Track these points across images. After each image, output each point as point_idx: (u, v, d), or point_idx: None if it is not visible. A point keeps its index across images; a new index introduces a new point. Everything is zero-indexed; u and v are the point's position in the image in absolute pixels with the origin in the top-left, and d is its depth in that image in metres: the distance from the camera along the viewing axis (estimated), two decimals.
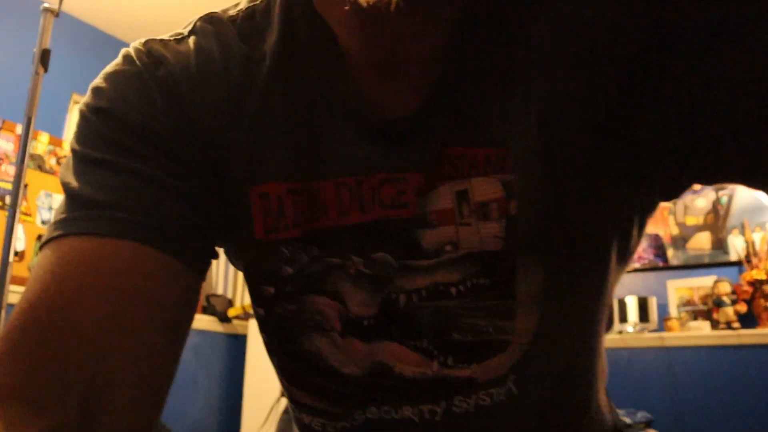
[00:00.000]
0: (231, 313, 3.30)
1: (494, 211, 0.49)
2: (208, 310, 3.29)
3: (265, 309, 0.54)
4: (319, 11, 0.50)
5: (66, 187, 0.48)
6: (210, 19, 0.55)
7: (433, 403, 0.53)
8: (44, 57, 2.15)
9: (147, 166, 0.48)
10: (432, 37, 0.49)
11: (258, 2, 0.56)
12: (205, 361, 3.18)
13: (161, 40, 0.54)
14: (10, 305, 2.29)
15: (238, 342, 3.32)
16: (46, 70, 2.16)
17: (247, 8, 0.55)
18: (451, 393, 0.53)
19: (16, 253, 2.57)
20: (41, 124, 2.87)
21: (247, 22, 0.55)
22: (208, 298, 3.32)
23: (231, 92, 0.52)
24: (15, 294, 2.58)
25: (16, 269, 2.57)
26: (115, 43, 3.29)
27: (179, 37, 0.54)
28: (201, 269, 0.51)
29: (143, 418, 0.46)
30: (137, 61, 0.52)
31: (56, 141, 2.93)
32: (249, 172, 0.51)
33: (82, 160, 0.49)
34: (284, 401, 2.97)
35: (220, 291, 3.51)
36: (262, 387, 3.04)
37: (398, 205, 0.50)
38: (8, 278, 2.00)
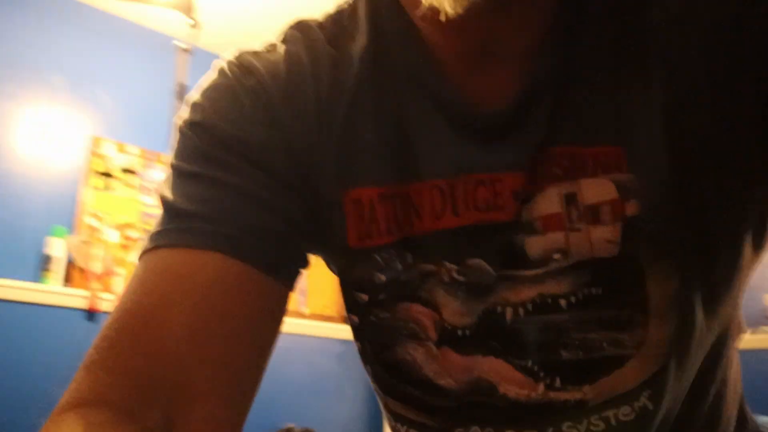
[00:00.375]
0: None
1: (607, 214, 0.45)
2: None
3: (359, 316, 0.53)
4: (406, 9, 0.49)
5: (162, 201, 0.50)
6: (299, 25, 0.55)
7: (539, 429, 0.49)
8: (181, 92, 2.32)
9: (237, 177, 0.48)
10: (529, 26, 0.46)
11: (344, 6, 0.56)
12: (350, 369, 3.26)
13: (253, 51, 0.54)
14: None
15: None
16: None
17: (334, 13, 0.56)
18: (559, 418, 0.49)
19: None
20: None
21: (335, 26, 0.54)
22: None
23: (320, 97, 0.51)
24: None
25: None
26: None
27: (271, 46, 0.55)
28: (289, 280, 0.51)
29: (225, 430, 0.45)
30: (228, 73, 0.53)
31: None
32: (341, 177, 0.51)
33: (177, 173, 0.50)
34: None
35: None
36: None
37: (494, 208, 0.47)
38: None
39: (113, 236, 2.66)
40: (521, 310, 0.47)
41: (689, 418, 0.52)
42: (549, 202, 0.46)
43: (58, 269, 2.49)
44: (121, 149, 2.82)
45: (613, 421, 0.48)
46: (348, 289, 0.53)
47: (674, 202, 0.44)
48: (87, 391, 0.42)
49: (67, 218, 2.63)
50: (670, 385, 0.48)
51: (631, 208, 0.45)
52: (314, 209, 0.52)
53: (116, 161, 2.80)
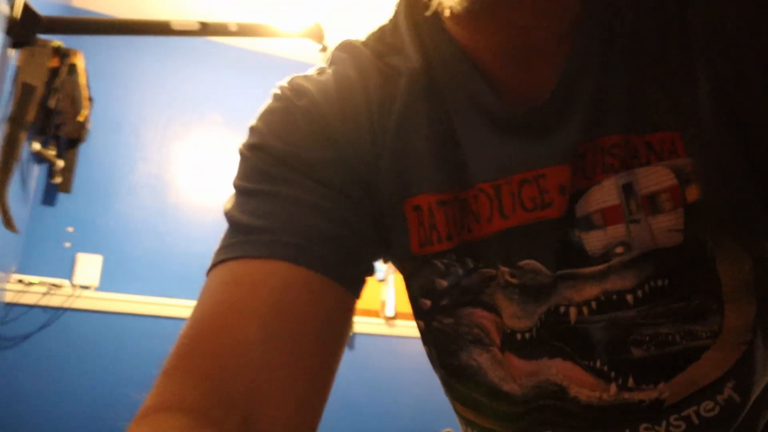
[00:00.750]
0: None
1: (667, 202, 0.43)
2: None
3: (424, 322, 0.54)
4: (441, 18, 0.50)
5: (227, 218, 0.52)
6: (344, 46, 0.57)
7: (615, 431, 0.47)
8: None
9: (296, 190, 0.49)
10: (558, 14, 0.45)
11: (386, 23, 0.57)
12: None
13: (304, 76, 0.57)
14: None
15: None
16: None
17: (377, 31, 0.57)
18: (636, 420, 0.46)
19: None
20: None
21: (379, 43, 0.56)
22: None
23: (372, 111, 0.52)
24: None
25: None
26: None
27: (320, 69, 0.57)
28: (354, 287, 0.51)
29: None
30: (282, 96, 0.55)
31: None
32: (399, 186, 0.51)
33: (240, 192, 0.52)
34: None
35: None
36: None
37: (541, 206, 0.46)
38: None
39: None
40: (585, 309, 0.45)
41: None
42: (606, 194, 0.44)
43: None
44: None
45: (695, 420, 0.45)
46: (413, 294, 0.54)
47: (737, 181, 0.42)
48: (167, 396, 0.43)
49: None
50: (758, 373, 0.45)
51: (692, 194, 0.42)
52: (376, 218, 0.52)
53: None
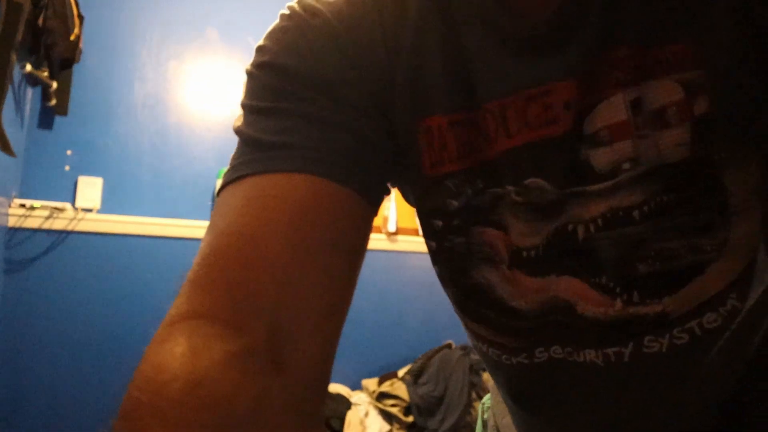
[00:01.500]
0: None
1: (674, 117, 0.42)
2: None
3: (435, 242, 0.54)
4: None
5: (240, 135, 0.51)
6: None
7: (619, 345, 0.48)
8: None
9: (315, 108, 0.49)
10: None
11: None
12: None
13: None
14: None
15: None
16: None
17: None
18: (640, 333, 0.47)
19: None
20: None
21: None
22: None
23: (386, 31, 0.52)
24: None
25: None
26: None
27: None
28: (374, 202, 0.51)
29: (324, 343, 0.45)
30: (294, 16, 0.53)
31: None
32: (413, 106, 0.51)
33: (252, 111, 0.51)
34: None
35: None
36: None
37: (546, 123, 0.45)
38: None
39: None
40: (592, 227, 0.46)
41: None
42: (614, 109, 0.43)
43: None
44: None
45: (697, 331, 0.46)
46: (424, 216, 0.54)
47: (748, 91, 0.41)
48: (195, 305, 0.42)
49: None
50: (757, 278, 0.45)
51: (700, 107, 0.42)
52: (392, 137, 0.52)
53: None
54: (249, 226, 0.44)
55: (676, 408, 0.51)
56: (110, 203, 2.58)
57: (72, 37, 2.38)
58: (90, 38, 2.65)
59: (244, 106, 0.52)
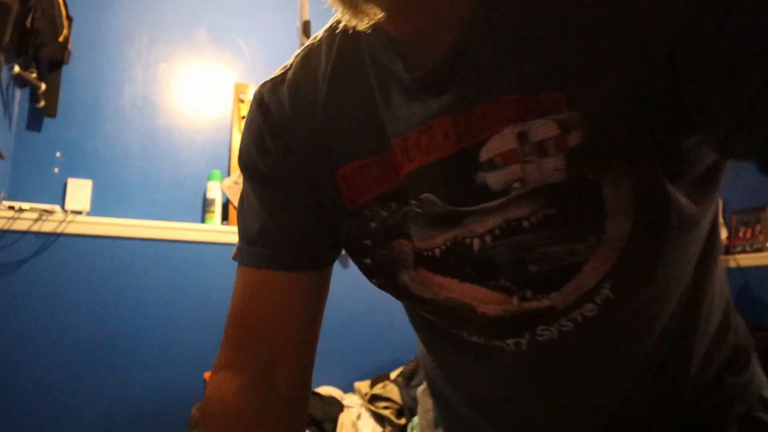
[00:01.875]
0: None
1: (552, 148, 0.53)
2: None
3: (370, 258, 0.66)
4: None
5: (237, 218, 0.75)
6: (300, 55, 0.70)
7: (518, 335, 0.60)
8: (306, 28, 2.36)
9: (280, 201, 0.68)
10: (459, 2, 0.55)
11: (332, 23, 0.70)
12: None
13: (272, 84, 0.70)
14: None
15: None
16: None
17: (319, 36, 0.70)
18: (534, 324, 0.59)
19: None
20: None
21: (313, 50, 0.69)
22: None
23: (315, 110, 0.66)
24: None
25: None
26: None
27: (283, 73, 0.70)
28: (329, 264, 0.73)
29: (303, 367, 0.73)
30: (255, 112, 0.70)
31: None
32: (331, 160, 0.65)
33: (241, 198, 0.74)
34: None
35: None
36: None
37: (436, 149, 0.57)
38: None
39: None
40: (488, 238, 0.56)
41: (661, 320, 0.61)
42: (505, 140, 0.54)
43: (218, 210, 2.72)
44: None
45: (580, 319, 0.57)
46: (356, 241, 0.66)
47: (621, 123, 0.51)
48: (223, 359, 0.71)
49: (223, 163, 2.85)
50: (633, 278, 0.56)
51: (573, 140, 0.52)
52: (322, 192, 0.67)
53: None
54: (248, 308, 0.71)
55: (582, 394, 0.63)
56: (100, 206, 2.56)
57: (61, 39, 2.36)
58: (79, 40, 2.64)
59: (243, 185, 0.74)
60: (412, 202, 0.60)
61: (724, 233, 3.96)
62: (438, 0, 0.56)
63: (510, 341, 0.60)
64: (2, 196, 2.37)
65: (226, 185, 2.75)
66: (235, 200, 2.74)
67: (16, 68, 2.26)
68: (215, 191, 2.73)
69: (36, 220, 2.38)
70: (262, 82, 0.72)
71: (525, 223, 0.54)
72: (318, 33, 0.71)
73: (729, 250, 3.93)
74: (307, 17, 2.34)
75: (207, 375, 2.28)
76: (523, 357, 0.60)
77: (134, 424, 2.44)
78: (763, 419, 0.67)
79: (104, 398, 2.41)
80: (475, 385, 0.71)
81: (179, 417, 2.47)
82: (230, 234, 2.70)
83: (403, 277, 0.64)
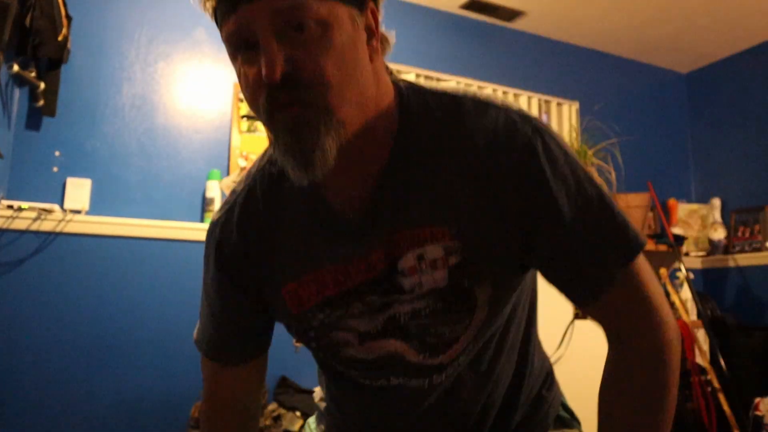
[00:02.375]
0: None
1: (439, 264, 0.80)
2: None
3: (316, 342, 0.90)
4: None
5: (200, 312, 0.99)
6: (240, 190, 0.90)
7: (423, 378, 0.88)
8: None
9: (224, 305, 0.93)
10: (372, 162, 0.79)
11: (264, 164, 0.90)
12: None
13: (226, 212, 0.90)
14: None
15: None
16: None
17: (262, 165, 0.90)
18: (431, 373, 0.88)
19: None
20: None
21: (252, 190, 0.89)
22: None
23: (258, 241, 0.88)
24: None
25: None
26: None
27: (231, 203, 0.90)
28: (265, 350, 0.99)
29: (254, 401, 1.02)
30: (212, 247, 0.91)
31: None
32: (274, 280, 0.87)
33: (203, 295, 0.97)
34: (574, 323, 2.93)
35: None
36: (554, 310, 3.02)
37: (369, 271, 0.82)
38: None
39: None
40: (406, 317, 0.83)
41: (501, 361, 0.92)
42: (409, 260, 0.80)
43: (217, 209, 2.72)
44: None
45: (457, 371, 0.89)
46: (302, 334, 0.89)
47: (477, 258, 0.80)
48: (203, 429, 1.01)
49: (222, 162, 2.86)
50: (489, 342, 0.89)
51: (453, 260, 0.80)
52: (268, 302, 0.91)
53: None
54: (214, 393, 1.00)
55: (464, 418, 0.93)
56: (99, 205, 2.57)
57: (60, 38, 2.36)
58: (78, 39, 2.64)
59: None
60: (357, 303, 0.84)
61: (723, 233, 3.96)
62: (360, 161, 0.78)
63: (417, 381, 0.88)
64: (1, 195, 2.37)
65: (225, 184, 2.75)
66: None
67: (15, 67, 2.26)
68: (214, 190, 2.73)
69: (35, 219, 2.38)
70: (213, 220, 0.92)
71: (422, 313, 0.82)
72: (251, 170, 0.91)
73: (728, 250, 3.93)
74: None
75: None
76: (427, 392, 0.89)
77: (133, 423, 2.45)
78: (563, 416, 1.06)
79: (103, 397, 2.42)
80: (375, 416, 0.97)
81: (178, 416, 2.47)
82: None
83: (347, 352, 0.88)
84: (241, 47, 0.71)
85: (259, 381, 1.01)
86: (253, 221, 0.87)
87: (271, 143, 0.79)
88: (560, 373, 3.08)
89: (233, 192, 0.91)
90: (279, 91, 0.67)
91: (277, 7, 0.66)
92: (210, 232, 0.91)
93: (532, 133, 0.77)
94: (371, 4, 0.77)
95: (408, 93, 0.80)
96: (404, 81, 0.83)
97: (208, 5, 0.73)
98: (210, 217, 2.69)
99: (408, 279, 0.80)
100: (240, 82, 0.73)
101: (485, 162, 0.76)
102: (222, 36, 0.73)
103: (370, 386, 0.92)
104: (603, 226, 0.78)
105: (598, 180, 0.82)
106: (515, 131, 0.76)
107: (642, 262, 0.79)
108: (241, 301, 0.91)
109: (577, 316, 2.93)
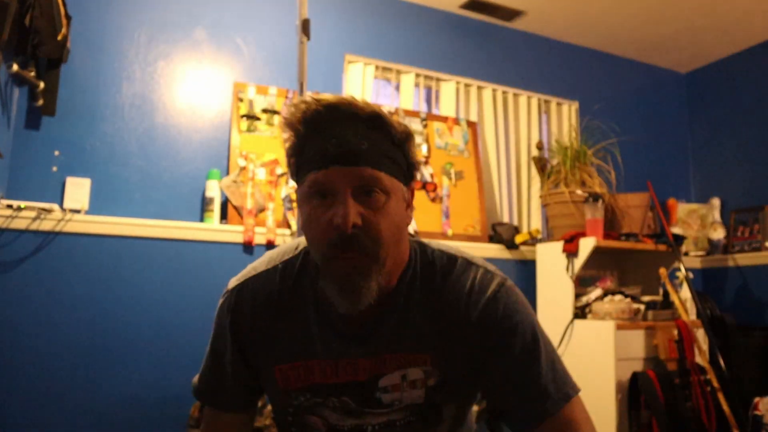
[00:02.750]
0: (518, 239, 3.31)
1: (419, 384, 0.99)
2: (494, 238, 3.35)
3: (292, 417, 1.05)
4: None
5: (203, 365, 1.14)
6: (261, 270, 1.07)
7: None
8: (305, 27, 2.35)
9: (222, 369, 1.07)
10: (381, 292, 0.93)
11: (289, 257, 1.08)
12: None
13: (243, 282, 1.06)
14: None
15: (527, 267, 3.33)
16: (308, 38, 2.36)
17: (282, 264, 1.07)
18: None
19: None
20: (323, 87, 3.19)
21: (271, 272, 1.06)
22: (494, 227, 3.38)
23: (266, 319, 1.03)
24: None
25: None
26: (379, 2, 3.46)
27: (249, 277, 1.07)
28: (254, 404, 1.15)
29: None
30: (221, 313, 1.08)
31: None
32: (271, 360, 1.02)
33: (211, 354, 1.11)
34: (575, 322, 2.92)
35: (505, 219, 3.54)
36: (554, 310, 3.03)
37: (355, 374, 0.99)
38: None
39: (261, 174, 2.84)
40: (375, 427, 1.01)
41: None
42: (394, 378, 0.98)
43: (216, 209, 2.72)
44: (261, 91, 2.97)
45: None
46: (281, 407, 1.06)
47: (450, 381, 0.99)
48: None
49: (222, 161, 2.85)
50: None
51: (431, 381, 0.99)
52: (260, 376, 1.07)
53: (257, 103, 2.95)
54: (204, 428, 1.15)
55: None
56: (98, 204, 2.57)
57: (59, 37, 2.36)
58: (77, 38, 2.64)
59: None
60: (333, 399, 1.00)
61: (722, 232, 3.97)
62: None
63: None
64: (1, 194, 2.37)
65: (224, 184, 2.75)
66: (233, 199, 2.74)
67: (15, 67, 2.26)
68: (214, 190, 2.73)
69: (34, 219, 2.38)
70: (231, 287, 1.07)
71: (398, 423, 1.00)
72: (276, 256, 1.07)
73: (727, 250, 3.94)
74: (306, 15, 2.34)
75: None
76: None
77: (132, 423, 2.45)
78: None
79: (102, 396, 2.42)
80: None
81: (177, 415, 2.47)
82: (229, 233, 2.71)
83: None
84: (317, 194, 0.89)
85: (249, 425, 1.14)
86: (266, 301, 1.02)
87: (316, 271, 0.99)
88: None
89: (254, 268, 1.07)
90: (344, 240, 0.86)
91: (361, 175, 0.87)
92: (226, 298, 1.07)
93: (498, 289, 0.99)
94: (412, 184, 0.99)
95: (416, 249, 1.03)
96: (415, 240, 1.05)
97: (301, 128, 0.91)
98: (210, 217, 2.69)
99: (389, 395, 0.98)
100: (306, 218, 0.92)
101: (461, 312, 0.97)
102: (307, 179, 0.90)
103: None
104: (545, 371, 0.97)
105: (546, 340, 1.01)
106: (486, 288, 0.99)
107: (578, 406, 0.98)
108: (241, 366, 1.06)
109: (576, 316, 2.94)
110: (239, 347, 1.04)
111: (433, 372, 0.97)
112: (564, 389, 0.97)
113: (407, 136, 0.94)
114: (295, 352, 0.99)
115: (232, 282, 1.07)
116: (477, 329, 0.97)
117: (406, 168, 0.95)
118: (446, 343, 0.97)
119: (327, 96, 0.91)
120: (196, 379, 1.12)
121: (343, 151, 0.87)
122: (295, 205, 2.82)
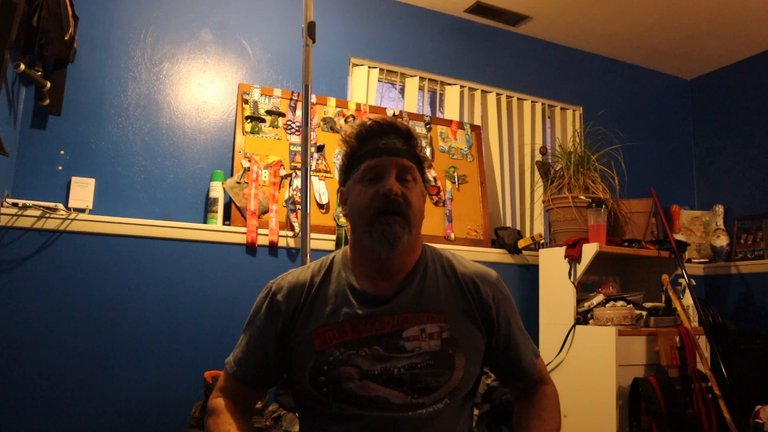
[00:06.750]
0: (521, 244, 3.31)
1: (435, 336, 1.22)
2: (497, 243, 3.35)
3: (324, 376, 1.20)
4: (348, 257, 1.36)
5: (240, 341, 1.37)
6: (299, 271, 1.36)
7: (408, 412, 1.18)
8: (311, 29, 2.35)
9: (259, 344, 1.30)
10: (402, 265, 1.29)
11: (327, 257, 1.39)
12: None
13: (280, 280, 1.34)
14: (314, 250, 2.63)
15: (530, 272, 3.33)
16: (314, 41, 2.36)
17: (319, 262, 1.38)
18: (416, 408, 1.18)
19: (321, 206, 2.94)
20: (327, 90, 3.20)
21: (317, 266, 1.37)
22: (496, 231, 3.38)
23: (306, 297, 1.29)
24: (315, 240, 2.94)
25: (323, 219, 2.94)
26: (385, 6, 3.46)
27: (288, 275, 1.35)
28: (268, 387, 1.37)
29: (252, 406, 1.42)
30: (266, 294, 1.33)
31: (342, 103, 3.16)
32: (310, 327, 1.24)
33: (244, 334, 1.35)
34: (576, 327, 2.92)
35: (508, 223, 3.54)
36: (557, 315, 3.03)
37: (381, 328, 1.22)
38: (308, 227, 2.28)
39: (265, 176, 2.84)
40: (402, 369, 1.19)
41: (465, 412, 1.31)
42: (415, 330, 1.22)
43: (220, 210, 2.73)
44: (266, 93, 2.98)
45: (436, 409, 1.20)
46: (317, 367, 1.21)
47: (459, 336, 1.24)
48: (218, 394, 1.35)
49: (226, 162, 2.86)
50: (459, 394, 1.25)
51: (445, 335, 1.23)
52: (294, 351, 1.26)
53: (262, 105, 2.96)
54: (226, 401, 1.32)
55: None
56: (103, 204, 2.58)
57: (66, 37, 2.37)
58: (84, 38, 2.66)
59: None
60: (365, 348, 1.20)
61: (725, 240, 3.96)
62: (396, 270, 1.28)
63: (409, 413, 1.18)
64: (6, 193, 2.38)
65: (228, 185, 2.76)
66: (237, 200, 2.75)
67: (22, 66, 2.27)
68: (218, 191, 2.74)
69: (39, 218, 2.39)
70: (272, 281, 1.35)
71: (419, 365, 1.19)
72: (312, 264, 1.38)
73: (730, 257, 3.93)
74: (311, 18, 2.35)
75: (207, 374, 2.28)
76: (414, 423, 1.18)
77: (134, 422, 2.45)
78: None
79: (105, 395, 2.42)
80: None
81: (180, 415, 2.48)
82: (232, 234, 2.71)
83: (347, 385, 1.18)
84: (369, 176, 1.24)
85: (257, 401, 1.44)
86: (303, 283, 1.30)
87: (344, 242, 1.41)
88: (561, 376, 3.14)
89: (292, 272, 1.36)
90: (391, 202, 1.20)
91: (402, 164, 1.25)
92: (267, 288, 1.34)
93: (497, 280, 1.35)
94: (427, 185, 1.42)
95: (425, 245, 1.38)
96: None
97: (354, 142, 1.29)
98: (213, 218, 2.70)
99: (411, 343, 1.21)
100: (356, 194, 1.26)
101: (470, 286, 1.30)
102: (362, 167, 1.26)
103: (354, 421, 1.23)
104: (527, 337, 1.39)
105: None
106: (489, 275, 1.35)
107: (542, 364, 1.42)
108: (274, 346, 1.28)
109: (578, 322, 2.94)
110: (282, 324, 1.26)
111: (446, 328, 1.23)
112: (535, 349, 1.40)
113: (425, 157, 1.36)
114: (329, 318, 1.24)
115: (271, 280, 1.35)
116: (480, 302, 1.29)
117: (422, 172, 1.33)
118: (455, 309, 1.27)
119: (376, 116, 1.32)
120: (230, 357, 1.34)
121: (390, 148, 1.25)
122: (298, 207, 2.83)
